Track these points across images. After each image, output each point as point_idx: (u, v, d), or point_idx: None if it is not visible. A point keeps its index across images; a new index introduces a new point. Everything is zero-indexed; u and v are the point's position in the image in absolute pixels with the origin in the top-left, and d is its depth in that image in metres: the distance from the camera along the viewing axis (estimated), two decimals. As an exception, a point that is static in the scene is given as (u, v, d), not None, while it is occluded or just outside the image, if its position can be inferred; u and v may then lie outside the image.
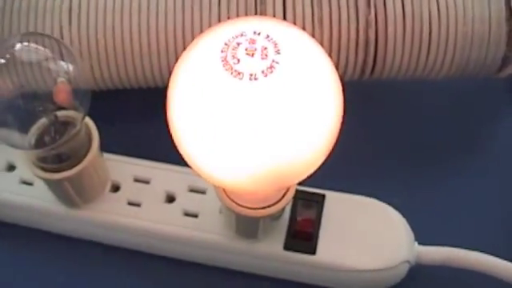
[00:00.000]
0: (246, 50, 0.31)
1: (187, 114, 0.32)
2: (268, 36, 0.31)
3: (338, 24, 0.50)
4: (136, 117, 0.58)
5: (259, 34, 0.31)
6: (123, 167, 0.50)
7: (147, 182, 0.49)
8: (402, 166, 0.56)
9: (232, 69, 0.30)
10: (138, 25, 0.49)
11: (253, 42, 0.31)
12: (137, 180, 0.49)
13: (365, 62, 0.51)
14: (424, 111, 0.60)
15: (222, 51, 0.31)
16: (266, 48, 0.31)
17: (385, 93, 0.60)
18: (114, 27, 0.49)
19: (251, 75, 0.30)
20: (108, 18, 0.49)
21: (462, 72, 0.53)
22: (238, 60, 0.30)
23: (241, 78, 0.30)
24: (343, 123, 0.34)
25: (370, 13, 0.50)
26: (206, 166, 0.33)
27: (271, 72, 0.30)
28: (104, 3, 0.49)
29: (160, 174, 0.49)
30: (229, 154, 0.31)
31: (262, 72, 0.30)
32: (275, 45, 0.31)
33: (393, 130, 0.58)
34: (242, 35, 0.31)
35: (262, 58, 0.30)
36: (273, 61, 0.30)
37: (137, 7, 0.49)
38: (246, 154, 0.31)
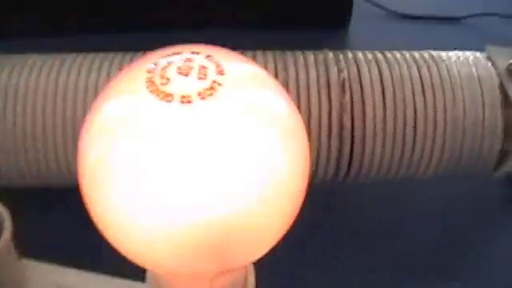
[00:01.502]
0: (179, 68, 0.24)
1: (97, 146, 0.24)
2: (209, 56, 0.24)
3: (307, 107, 0.43)
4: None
5: (198, 53, 0.24)
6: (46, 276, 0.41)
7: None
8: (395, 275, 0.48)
9: (158, 90, 0.23)
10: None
11: (189, 60, 0.24)
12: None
13: (340, 152, 0.44)
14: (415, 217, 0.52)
15: (148, 72, 0.24)
16: (205, 67, 0.24)
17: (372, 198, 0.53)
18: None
19: (183, 97, 0.23)
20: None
21: (454, 167, 0.45)
22: (168, 79, 0.23)
23: (169, 101, 0.23)
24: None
25: (344, 96, 0.43)
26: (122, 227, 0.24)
27: (210, 95, 0.23)
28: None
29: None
30: (148, 201, 0.23)
31: (199, 94, 0.23)
32: (218, 65, 0.24)
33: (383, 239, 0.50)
34: (176, 54, 0.24)
35: (200, 78, 0.23)
36: (213, 82, 0.23)
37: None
38: (170, 202, 0.23)
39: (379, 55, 0.46)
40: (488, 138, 0.44)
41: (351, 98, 0.43)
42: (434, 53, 0.47)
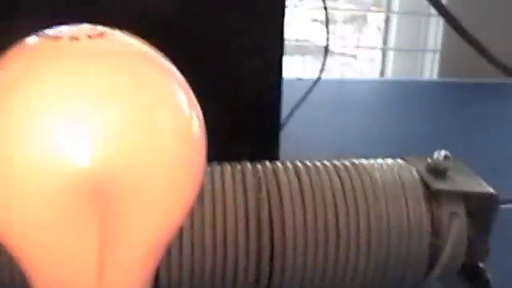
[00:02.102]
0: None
1: None
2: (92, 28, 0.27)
3: (222, 201, 0.40)
4: None
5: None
6: None
7: None
8: None
9: (47, 35, 0.26)
10: None
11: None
12: None
13: (259, 251, 0.40)
14: None
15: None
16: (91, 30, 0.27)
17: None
18: None
19: (72, 38, 0.25)
20: None
21: (383, 274, 0.42)
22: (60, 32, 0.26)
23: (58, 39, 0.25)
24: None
25: (260, 192, 0.41)
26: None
27: (99, 36, 0.26)
28: None
29: None
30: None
31: (88, 36, 0.25)
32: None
33: None
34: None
35: (90, 29, 0.26)
36: (104, 31, 0.26)
37: None
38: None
39: (298, 163, 0.44)
40: (415, 234, 0.41)
41: (268, 197, 0.41)
42: (356, 160, 0.45)
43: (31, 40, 0.25)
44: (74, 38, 0.24)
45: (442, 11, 0.65)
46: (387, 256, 0.42)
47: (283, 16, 0.54)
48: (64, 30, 0.25)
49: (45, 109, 0.23)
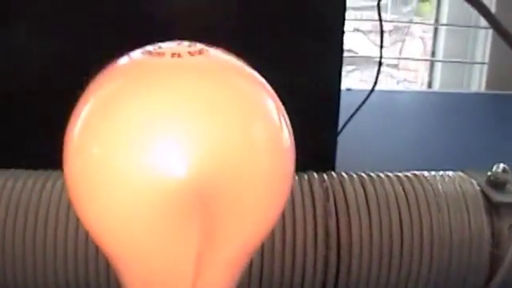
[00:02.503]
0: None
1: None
2: (191, 45, 0.28)
3: (291, 209, 0.42)
4: None
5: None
6: None
7: None
8: None
9: (151, 52, 0.27)
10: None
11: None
12: None
13: (327, 258, 0.42)
14: None
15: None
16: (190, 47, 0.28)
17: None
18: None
19: (174, 54, 0.27)
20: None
21: (445, 283, 0.43)
22: (160, 48, 0.28)
23: (161, 56, 0.27)
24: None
25: (328, 201, 0.43)
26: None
27: (200, 54, 0.27)
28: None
29: None
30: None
31: (189, 53, 0.27)
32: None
33: None
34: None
35: (189, 46, 0.28)
36: (203, 48, 0.28)
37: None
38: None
39: (363, 174, 0.46)
40: (476, 245, 0.43)
41: (335, 207, 0.43)
42: (418, 172, 0.47)
43: (134, 55, 0.27)
44: (176, 55, 0.26)
45: (492, 21, 0.66)
46: (449, 265, 0.43)
47: (343, 25, 0.56)
48: (164, 46, 0.27)
49: (151, 123, 0.25)
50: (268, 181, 0.26)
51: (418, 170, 0.48)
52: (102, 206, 0.26)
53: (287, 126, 0.28)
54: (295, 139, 0.28)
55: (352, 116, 0.76)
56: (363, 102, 0.78)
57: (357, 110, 0.76)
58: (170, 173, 0.24)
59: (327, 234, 0.42)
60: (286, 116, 0.28)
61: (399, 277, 0.43)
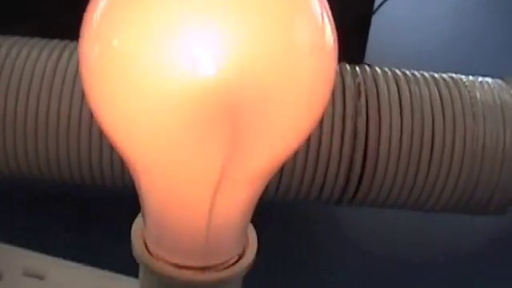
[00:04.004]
0: None
1: None
2: None
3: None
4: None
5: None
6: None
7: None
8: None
9: None
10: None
11: None
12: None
13: (352, 158, 0.40)
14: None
15: None
16: None
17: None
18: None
19: None
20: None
21: (471, 196, 0.42)
22: None
23: None
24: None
25: (359, 99, 0.40)
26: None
27: None
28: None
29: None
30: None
31: None
32: None
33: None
34: None
35: None
36: None
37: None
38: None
39: (398, 72, 0.43)
40: (509, 160, 0.41)
41: (366, 105, 0.40)
42: (455, 75, 0.44)
43: None
44: None
45: None
46: (478, 177, 0.42)
47: None
48: None
49: (177, 14, 0.22)
50: (304, 85, 0.23)
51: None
52: (119, 106, 0.23)
53: (330, 22, 0.24)
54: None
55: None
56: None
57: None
58: (195, 72, 0.22)
59: (355, 133, 0.40)
60: (329, 10, 0.25)
61: (424, 187, 0.41)
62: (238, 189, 0.26)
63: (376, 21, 0.64)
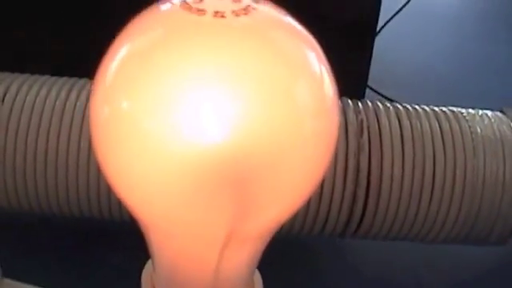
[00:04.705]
0: None
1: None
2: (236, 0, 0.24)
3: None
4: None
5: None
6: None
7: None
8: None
9: (191, 8, 0.23)
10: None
11: None
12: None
13: (354, 195, 0.41)
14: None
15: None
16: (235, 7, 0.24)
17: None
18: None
19: (217, 13, 0.23)
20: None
21: (471, 228, 0.43)
22: (201, 1, 0.23)
23: (202, 14, 0.23)
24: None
25: (362, 136, 0.41)
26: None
27: (245, 14, 0.23)
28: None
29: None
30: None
31: (232, 12, 0.23)
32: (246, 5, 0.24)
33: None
34: None
35: (234, 1, 0.23)
36: (248, 5, 0.23)
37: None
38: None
39: (399, 106, 0.44)
40: (508, 193, 0.42)
41: (369, 141, 0.41)
42: (455, 109, 0.45)
43: (170, 9, 0.24)
44: (218, 14, 0.24)
45: None
46: (478, 211, 0.42)
47: None
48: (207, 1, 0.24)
49: (187, 86, 0.23)
50: (308, 145, 0.24)
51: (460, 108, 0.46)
52: (128, 166, 0.24)
53: (331, 83, 0.25)
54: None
55: (393, 17, 0.72)
56: (405, 5, 0.74)
57: (398, 12, 0.73)
58: (206, 137, 0.23)
59: (358, 170, 0.41)
60: (330, 71, 0.26)
61: (426, 219, 0.42)
62: (245, 245, 0.27)
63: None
